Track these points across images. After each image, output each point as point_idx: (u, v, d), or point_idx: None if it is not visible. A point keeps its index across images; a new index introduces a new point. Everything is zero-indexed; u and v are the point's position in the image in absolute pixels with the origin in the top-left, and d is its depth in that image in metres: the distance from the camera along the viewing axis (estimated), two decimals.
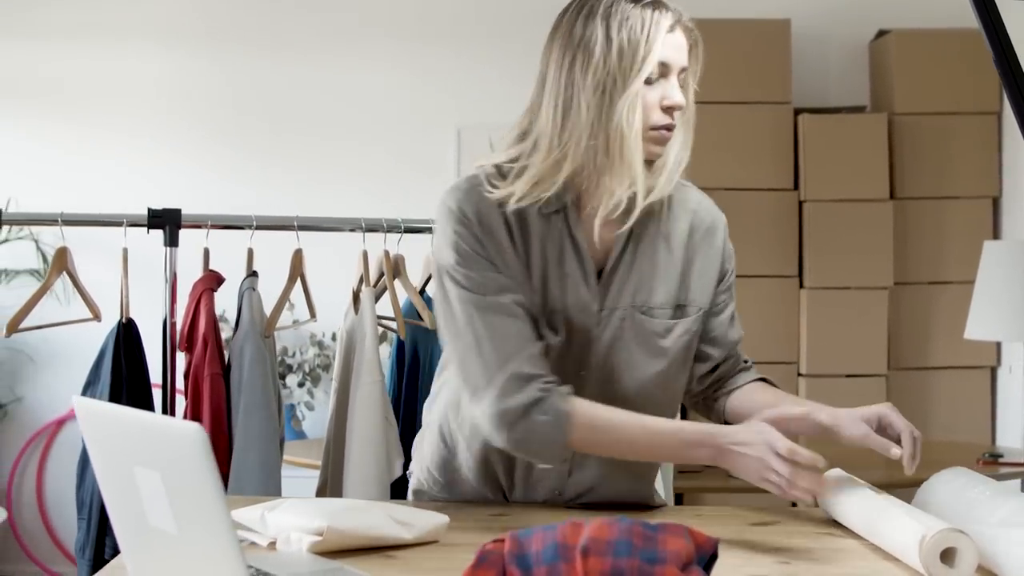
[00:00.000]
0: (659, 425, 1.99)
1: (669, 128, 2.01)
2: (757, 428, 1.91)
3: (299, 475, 4.23)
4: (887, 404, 2.06)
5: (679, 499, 4.04)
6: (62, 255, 3.01)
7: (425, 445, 2.27)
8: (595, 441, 2.00)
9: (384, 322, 3.07)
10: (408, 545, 1.85)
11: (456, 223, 2.01)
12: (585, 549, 1.44)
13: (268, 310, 3.04)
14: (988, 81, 5.11)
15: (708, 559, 1.53)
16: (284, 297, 3.05)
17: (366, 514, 1.83)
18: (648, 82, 1.97)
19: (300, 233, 3.17)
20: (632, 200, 2.00)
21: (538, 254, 2.03)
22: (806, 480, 1.83)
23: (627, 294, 2.07)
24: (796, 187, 5.15)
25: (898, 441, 2.00)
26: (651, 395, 2.10)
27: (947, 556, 1.70)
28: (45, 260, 5.31)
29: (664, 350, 2.09)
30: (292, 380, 5.22)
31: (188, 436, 1.35)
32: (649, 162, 2.03)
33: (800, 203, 5.13)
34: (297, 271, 3.07)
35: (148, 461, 1.44)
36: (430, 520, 1.87)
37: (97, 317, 3.09)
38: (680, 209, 2.15)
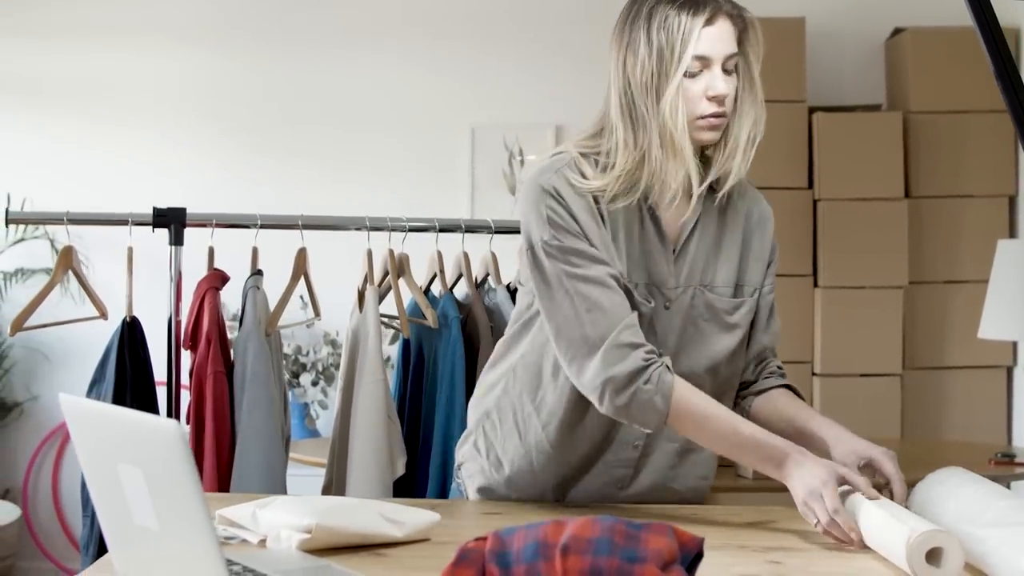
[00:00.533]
0: (744, 427, 2.06)
1: (717, 116, 2.10)
2: (828, 463, 1.98)
3: (309, 474, 4.24)
4: (887, 451, 2.08)
5: None
6: (67, 254, 3.03)
7: (484, 440, 2.31)
8: (688, 418, 2.07)
9: (386, 321, 3.07)
10: (399, 543, 1.85)
11: (550, 199, 2.12)
12: (565, 548, 1.43)
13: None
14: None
15: (693, 558, 1.52)
16: (287, 295, 3.05)
17: (356, 512, 1.83)
18: (691, 75, 2.07)
19: (315, 232, 3.20)
20: (713, 182, 2.16)
21: (623, 231, 2.15)
22: (838, 529, 1.89)
23: (696, 273, 2.19)
24: (811, 186, 5.12)
25: (886, 484, 2.05)
26: (719, 374, 2.23)
27: (933, 556, 1.69)
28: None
29: (733, 326, 2.22)
30: (306, 379, 5.23)
31: (167, 433, 1.35)
32: (704, 149, 2.16)
33: (815, 202, 5.11)
34: (301, 269, 3.07)
35: (131, 458, 1.45)
36: (421, 518, 1.88)
37: (104, 315, 3.10)
38: (739, 197, 2.28)
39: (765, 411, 2.27)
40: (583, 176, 2.13)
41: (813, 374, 5.13)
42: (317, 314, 3.27)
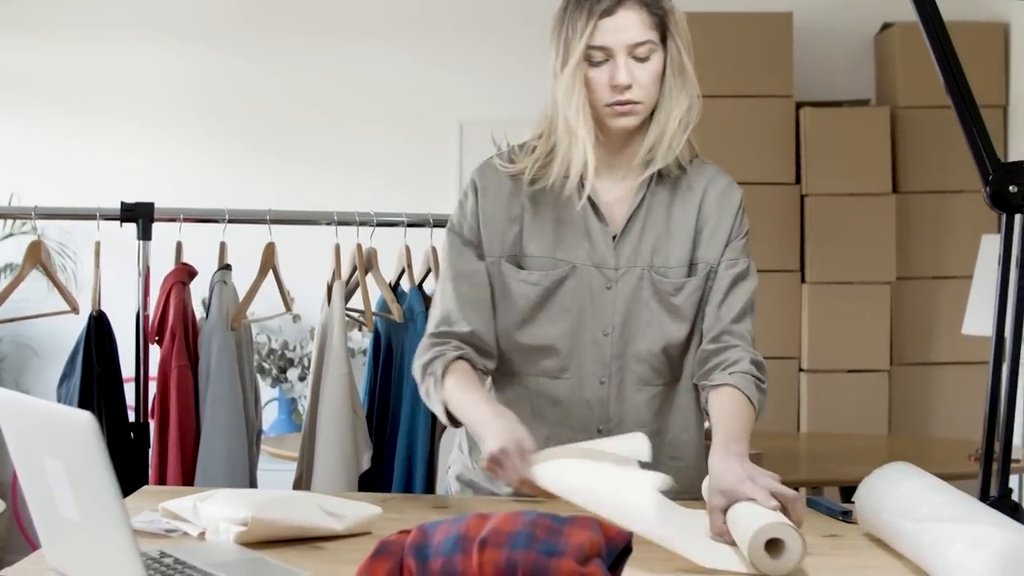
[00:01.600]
0: (469, 398, 2.11)
1: (622, 104, 2.13)
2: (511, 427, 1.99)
3: (289, 468, 4.24)
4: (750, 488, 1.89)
5: None
6: (35, 248, 3.04)
7: (467, 439, 2.36)
8: (454, 408, 2.13)
9: (352, 315, 3.08)
10: (339, 537, 1.85)
11: (468, 187, 2.26)
12: (483, 541, 1.42)
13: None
14: (993, 75, 5.07)
15: (620, 552, 1.51)
16: (253, 289, 3.06)
17: (294, 505, 1.83)
18: (596, 64, 2.12)
19: (296, 228, 3.25)
20: (643, 168, 2.21)
21: (554, 213, 2.21)
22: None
23: (643, 255, 2.22)
24: (798, 181, 5.12)
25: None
26: (668, 356, 2.24)
27: (775, 547, 1.70)
28: (47, 254, 5.33)
29: (677, 308, 2.22)
30: (293, 374, 5.24)
31: (81, 425, 1.36)
32: (631, 137, 2.20)
33: (802, 197, 5.10)
34: (269, 264, 3.08)
35: (52, 451, 1.45)
36: (362, 511, 1.88)
37: (75, 310, 3.11)
38: (696, 179, 2.29)
39: (711, 413, 2.17)
40: (511, 162, 2.23)
41: (800, 370, 5.12)
42: (288, 308, 3.27)
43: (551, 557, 1.40)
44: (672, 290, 2.21)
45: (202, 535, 1.82)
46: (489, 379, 2.28)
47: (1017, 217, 1.83)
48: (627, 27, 2.10)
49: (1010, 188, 1.84)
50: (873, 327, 5.06)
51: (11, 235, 5.38)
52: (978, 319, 4.29)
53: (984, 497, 1.87)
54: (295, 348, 5.29)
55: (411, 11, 5.57)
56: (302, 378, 5.24)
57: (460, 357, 2.17)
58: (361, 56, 5.58)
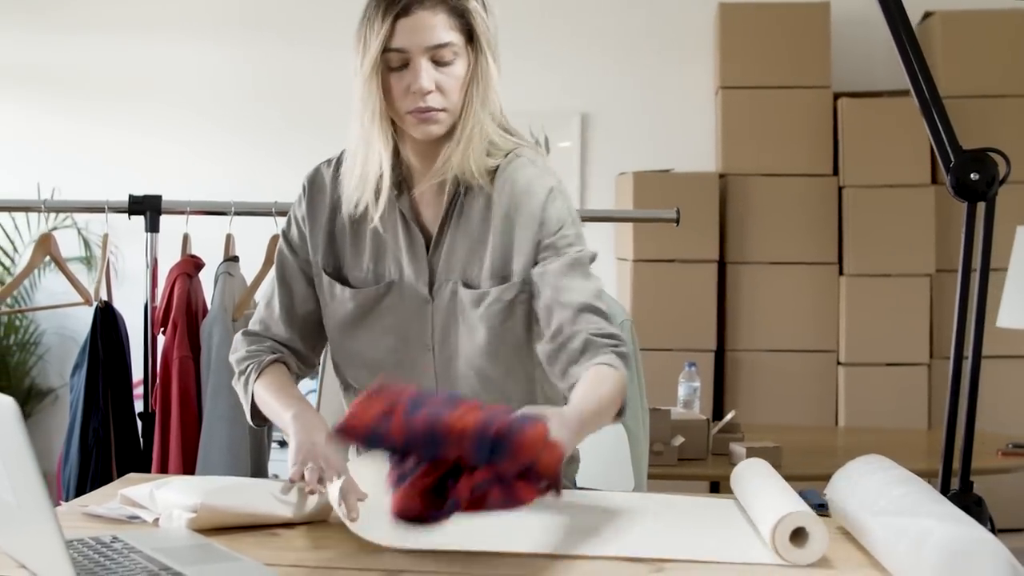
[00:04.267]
0: (269, 407, 2.12)
1: (422, 110, 2.01)
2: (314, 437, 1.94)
3: None
4: None
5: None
6: (46, 240, 3.09)
7: None
8: (262, 405, 2.15)
9: None
10: (295, 524, 1.86)
11: (297, 197, 2.22)
12: (466, 409, 1.54)
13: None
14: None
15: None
16: (257, 281, 3.08)
17: (247, 492, 1.84)
18: (395, 69, 2.01)
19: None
20: (456, 178, 2.07)
21: (373, 229, 2.11)
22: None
23: (455, 268, 2.10)
24: (836, 172, 5.07)
25: None
26: (485, 373, 2.10)
27: (799, 537, 1.67)
28: (88, 247, 5.43)
29: (475, 321, 2.09)
30: None
31: (3, 409, 1.37)
32: (437, 144, 2.07)
33: (840, 189, 5.05)
34: (273, 255, 3.09)
35: None
36: (316, 500, 1.88)
37: (88, 302, 3.15)
38: (502, 183, 2.11)
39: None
40: (336, 170, 2.17)
41: (838, 363, 5.07)
42: None
43: (522, 424, 1.51)
44: (474, 301, 2.09)
45: (156, 521, 1.84)
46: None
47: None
48: (425, 28, 1.97)
49: (971, 176, 1.80)
50: (912, 320, 4.99)
51: (55, 228, 5.46)
52: (1013, 312, 4.22)
53: (945, 492, 1.84)
54: None
55: None
56: None
57: (276, 360, 2.18)
58: None
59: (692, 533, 1.85)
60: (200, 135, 5.67)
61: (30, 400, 5.60)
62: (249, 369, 2.16)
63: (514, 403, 1.99)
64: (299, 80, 5.66)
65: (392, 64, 1.99)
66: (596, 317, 2.00)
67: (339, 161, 2.17)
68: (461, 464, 1.52)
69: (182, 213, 3.07)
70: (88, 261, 5.46)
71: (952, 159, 1.82)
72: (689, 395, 4.25)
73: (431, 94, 1.99)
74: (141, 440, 3.07)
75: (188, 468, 2.89)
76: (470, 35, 2.03)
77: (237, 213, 3.09)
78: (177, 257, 3.13)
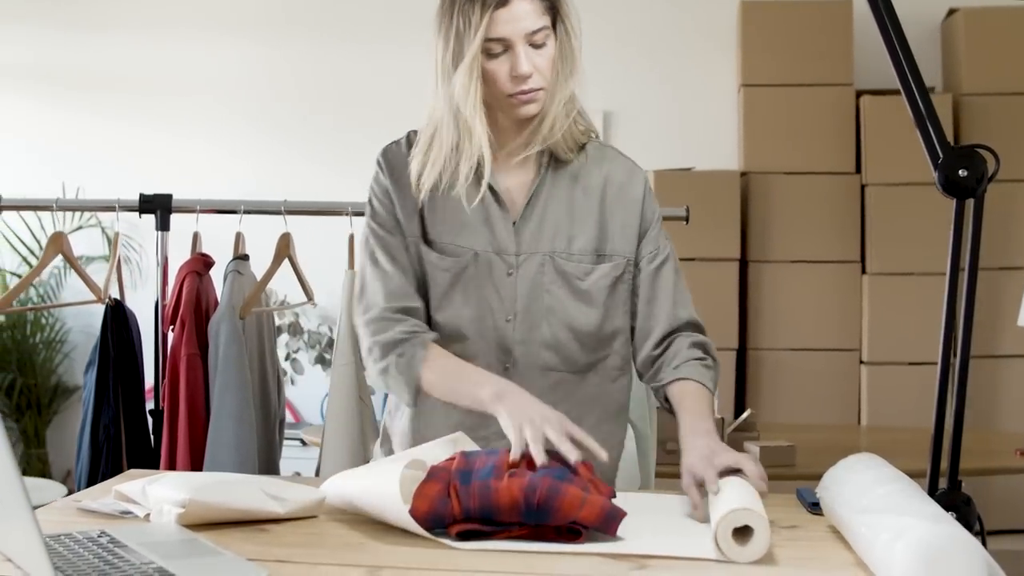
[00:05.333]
0: (476, 376, 2.12)
1: (525, 92, 2.11)
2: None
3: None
4: (708, 464, 1.95)
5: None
6: (57, 239, 3.11)
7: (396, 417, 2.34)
8: (437, 385, 2.14)
9: None
10: (285, 520, 1.87)
11: (376, 170, 2.25)
12: (512, 473, 1.77)
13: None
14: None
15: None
16: (265, 280, 3.09)
17: (236, 487, 1.85)
18: (494, 56, 2.09)
19: (330, 220, 3.26)
20: (541, 152, 2.19)
21: (454, 204, 2.18)
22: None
23: (544, 240, 2.20)
24: (858, 170, 5.04)
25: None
26: (564, 346, 2.21)
27: (743, 535, 1.68)
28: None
29: (585, 292, 2.20)
30: None
31: None
32: (524, 122, 2.17)
33: (862, 187, 5.03)
34: (283, 254, 3.12)
35: None
36: (305, 495, 1.89)
37: (100, 300, 3.17)
38: (595, 164, 2.26)
39: (672, 406, 2.22)
40: (409, 151, 2.22)
41: (861, 362, 5.04)
42: (310, 298, 3.31)
43: (562, 481, 1.75)
44: (580, 275, 2.20)
45: (147, 516, 1.85)
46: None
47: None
48: (523, 16, 2.07)
49: (960, 172, 1.79)
50: (936, 318, 4.86)
51: (80, 228, 5.51)
52: None
53: (933, 490, 1.83)
54: None
55: None
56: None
57: (434, 340, 2.16)
58: (422, 49, 5.60)
59: (676, 531, 1.85)
60: (227, 133, 5.71)
61: (56, 397, 5.65)
62: (410, 350, 2.13)
63: (597, 372, 2.24)
64: (330, 79, 5.68)
65: (492, 52, 2.09)
66: (686, 315, 2.27)
67: (409, 140, 2.24)
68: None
69: (192, 212, 3.09)
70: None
71: (940, 155, 1.80)
72: None
73: (531, 77, 2.09)
74: (152, 437, 3.10)
75: (196, 465, 2.91)
76: (554, 15, 2.13)
77: (247, 212, 3.11)
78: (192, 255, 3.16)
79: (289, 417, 5.35)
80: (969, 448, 3.95)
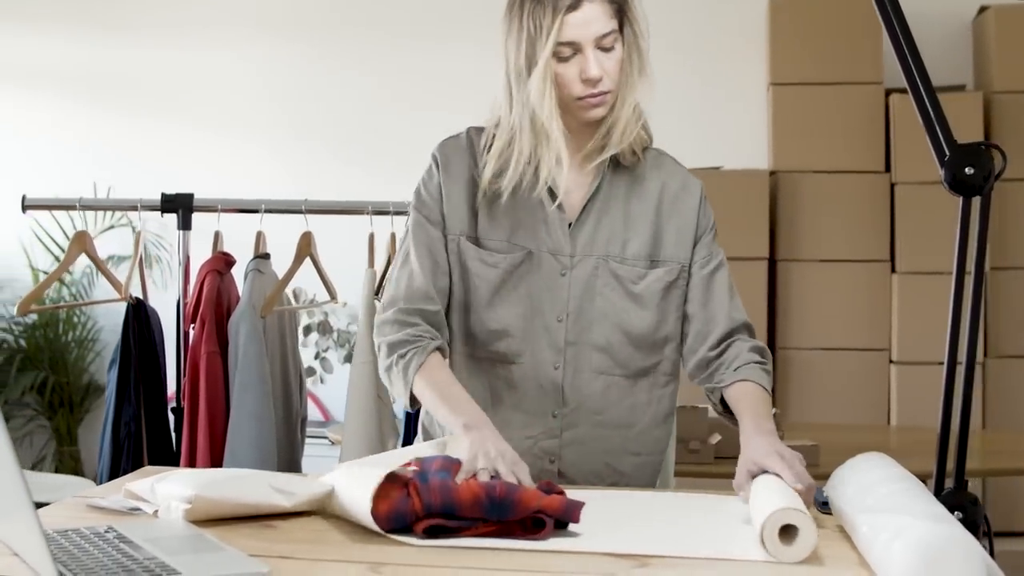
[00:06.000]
0: (443, 406, 2.11)
1: (594, 96, 2.12)
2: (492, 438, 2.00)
3: None
4: (785, 455, 1.98)
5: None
6: (81, 238, 3.14)
7: (427, 415, 2.37)
8: (424, 396, 2.15)
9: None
10: (293, 514, 1.88)
11: (429, 165, 2.26)
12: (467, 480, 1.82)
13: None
14: None
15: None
16: (286, 279, 3.12)
17: (243, 483, 1.87)
18: (564, 59, 2.10)
19: (353, 218, 3.28)
20: (596, 155, 2.19)
21: (513, 199, 2.19)
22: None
23: (599, 243, 2.21)
24: (888, 169, 5.01)
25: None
26: (615, 348, 2.23)
27: (788, 534, 1.66)
28: (143, 245, 5.52)
29: (638, 296, 2.22)
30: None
31: None
32: (591, 125, 2.18)
33: (892, 185, 5.00)
34: (304, 253, 3.14)
35: None
36: (312, 489, 1.90)
37: (123, 298, 3.20)
38: (652, 171, 2.28)
39: (731, 406, 2.24)
40: (471, 146, 2.24)
41: (891, 362, 5.01)
42: (333, 297, 3.32)
43: (516, 489, 1.78)
44: (634, 278, 2.22)
45: (156, 513, 1.87)
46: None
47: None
48: (593, 19, 2.09)
49: (967, 170, 1.78)
50: (966, 318, 4.91)
51: (111, 227, 5.56)
52: None
53: (939, 490, 1.82)
54: None
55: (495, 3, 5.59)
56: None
57: (437, 347, 2.17)
58: (447, 50, 5.62)
59: (680, 529, 1.85)
60: (258, 134, 5.74)
61: (88, 395, 5.70)
62: (411, 355, 2.14)
63: (650, 377, 2.26)
64: (353, 79, 5.71)
65: (561, 56, 2.10)
66: (741, 320, 2.28)
67: (469, 137, 2.25)
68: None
69: (213, 211, 3.12)
70: (144, 259, 5.54)
71: (946, 153, 1.79)
72: None
73: (600, 80, 2.11)
74: (173, 434, 3.12)
75: (216, 462, 2.93)
76: (621, 19, 2.14)
77: (268, 211, 3.13)
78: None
79: (319, 415, 5.38)
80: (1000, 449, 3.93)
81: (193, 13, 5.79)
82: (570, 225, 2.22)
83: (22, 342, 5.70)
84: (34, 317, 5.60)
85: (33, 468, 5.59)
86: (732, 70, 5.49)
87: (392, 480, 1.79)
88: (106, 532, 1.71)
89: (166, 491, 1.86)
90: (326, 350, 5.39)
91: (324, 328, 5.37)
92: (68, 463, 5.60)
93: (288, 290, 4.77)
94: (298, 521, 1.87)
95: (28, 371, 5.63)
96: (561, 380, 2.22)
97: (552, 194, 2.20)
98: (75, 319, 5.66)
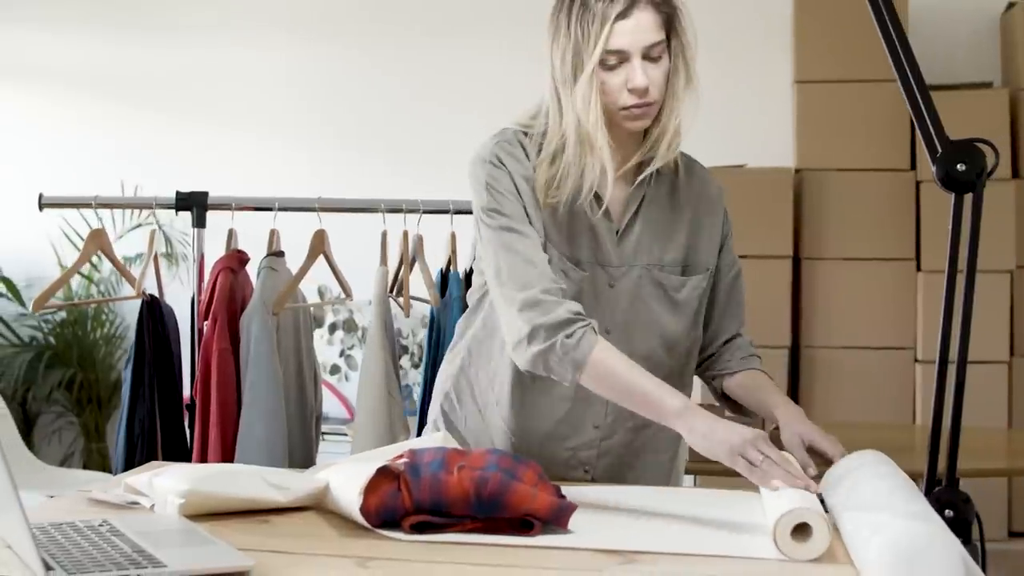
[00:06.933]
0: (641, 385, 2.03)
1: (639, 107, 2.10)
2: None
3: None
4: (829, 436, 2.05)
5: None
6: (97, 236, 3.17)
7: (444, 421, 2.38)
8: (600, 377, 2.05)
9: (398, 301, 3.14)
10: (289, 510, 1.90)
11: (490, 167, 2.16)
12: (461, 466, 1.80)
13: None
14: None
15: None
16: (299, 276, 3.13)
17: (237, 477, 1.88)
18: (611, 68, 2.07)
19: (369, 217, 3.29)
20: (642, 166, 2.18)
21: (565, 209, 2.16)
22: (779, 473, 1.84)
23: (643, 252, 2.22)
24: (913, 167, 4.97)
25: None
26: (675, 353, 2.27)
27: (802, 532, 1.66)
28: (169, 243, 5.57)
29: (679, 303, 2.24)
30: (406, 361, 5.33)
31: None
32: (636, 135, 2.18)
33: (917, 183, 4.96)
34: (318, 250, 3.16)
35: None
36: (308, 484, 1.92)
37: (138, 294, 3.23)
38: (686, 177, 2.29)
39: (736, 392, 2.33)
40: (522, 148, 2.18)
41: (916, 361, 4.97)
42: (348, 294, 3.34)
43: (512, 479, 1.78)
44: (677, 286, 2.24)
45: (153, 507, 1.89)
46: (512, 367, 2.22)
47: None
48: (642, 29, 2.06)
49: (958, 167, 1.77)
50: (991, 317, 4.88)
51: (139, 226, 5.61)
52: None
53: (930, 488, 1.82)
54: (408, 336, 5.38)
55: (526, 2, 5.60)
56: (416, 365, 5.32)
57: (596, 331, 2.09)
58: (476, 50, 5.62)
59: (676, 526, 1.85)
60: (284, 133, 5.77)
61: (116, 392, 5.74)
62: (579, 333, 2.04)
63: (672, 378, 2.14)
64: (370, 78, 5.73)
65: (608, 64, 2.07)
66: (744, 325, 2.38)
67: (519, 140, 2.18)
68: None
69: (227, 209, 3.14)
70: (169, 257, 5.59)
71: (939, 149, 1.79)
72: None
73: (647, 91, 2.08)
74: (188, 431, 3.15)
75: (227, 459, 2.95)
76: (669, 29, 2.12)
77: (282, 209, 3.15)
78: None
79: (344, 413, 5.40)
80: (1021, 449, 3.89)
81: (216, 14, 5.82)
82: (617, 233, 2.21)
83: (51, 340, 5.75)
84: (63, 315, 5.66)
85: (61, 464, 5.64)
86: (757, 68, 5.47)
87: (384, 474, 1.80)
88: (100, 525, 1.74)
89: (162, 485, 1.88)
90: (351, 348, 5.42)
91: (349, 326, 5.40)
92: (96, 459, 5.65)
93: (314, 288, 4.81)
94: (293, 516, 1.89)
95: (57, 368, 5.69)
96: None
97: (599, 201, 2.17)
98: (103, 316, 5.72)
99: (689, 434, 1.95)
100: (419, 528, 1.76)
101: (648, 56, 2.08)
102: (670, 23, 2.12)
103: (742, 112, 5.47)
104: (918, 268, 4.96)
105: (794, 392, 5.07)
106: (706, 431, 1.92)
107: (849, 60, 5.00)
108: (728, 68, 5.49)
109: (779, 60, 5.38)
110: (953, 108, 4.82)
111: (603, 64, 2.06)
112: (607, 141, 2.10)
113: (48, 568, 1.48)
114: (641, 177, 2.19)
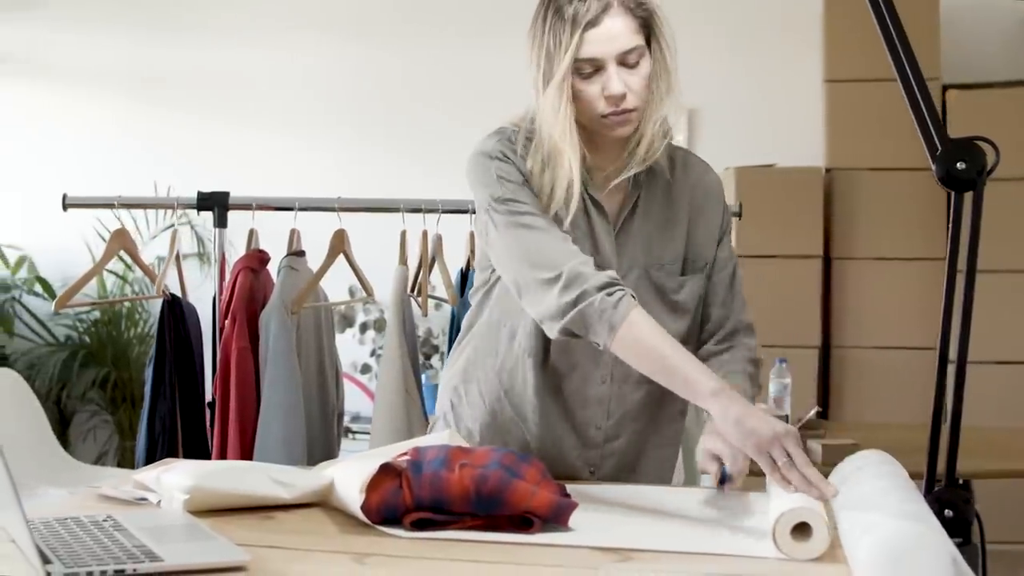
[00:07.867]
0: (676, 361, 1.99)
1: (618, 114, 2.06)
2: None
3: None
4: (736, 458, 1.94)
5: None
6: (119, 236, 3.20)
7: (452, 414, 2.37)
8: (632, 343, 2.00)
9: (418, 300, 3.16)
10: (294, 506, 1.91)
11: (496, 161, 2.12)
12: (463, 464, 1.81)
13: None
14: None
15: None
16: (318, 275, 3.15)
17: (242, 474, 1.90)
18: (587, 76, 2.04)
19: (390, 217, 3.30)
20: (623, 172, 2.14)
21: (563, 211, 2.12)
22: (796, 477, 1.80)
23: (640, 252, 2.19)
24: None
25: None
26: None
27: (802, 531, 1.66)
28: (201, 243, 5.61)
29: (677, 303, 2.21)
30: (436, 361, 5.35)
31: None
32: (619, 142, 2.14)
33: None
34: (338, 250, 3.18)
35: None
36: (313, 481, 1.93)
37: (159, 294, 3.26)
38: (683, 172, 2.26)
39: None
40: (513, 151, 2.14)
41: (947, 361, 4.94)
42: (369, 294, 3.36)
43: (513, 478, 1.79)
44: (675, 287, 2.21)
45: (159, 503, 1.91)
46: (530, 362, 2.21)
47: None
48: (615, 36, 2.02)
49: (958, 165, 1.77)
50: (1017, 317, 4.84)
51: (171, 226, 5.64)
52: None
53: (930, 488, 1.81)
54: (439, 336, 5.39)
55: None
56: None
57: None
58: (499, 49, 5.62)
59: (673, 525, 1.86)
60: (317, 134, 5.80)
61: None
62: (619, 295, 1.99)
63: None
64: (391, 79, 5.76)
65: (582, 72, 2.04)
66: (747, 323, 2.31)
67: (510, 141, 2.15)
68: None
69: (248, 208, 3.16)
70: (201, 256, 5.63)
71: (938, 147, 1.78)
72: (780, 392, 4.18)
73: (624, 97, 2.05)
74: (209, 429, 3.17)
75: (246, 457, 2.98)
76: (648, 33, 2.08)
77: (302, 209, 3.18)
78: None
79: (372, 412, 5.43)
80: None
81: (247, 16, 5.86)
82: (615, 234, 2.18)
83: (86, 339, 5.81)
84: (96, 314, 5.71)
85: (96, 462, 5.69)
86: (787, 66, 5.45)
87: (386, 471, 1.81)
88: (104, 520, 1.76)
89: (169, 482, 1.90)
90: (381, 347, 5.44)
91: (380, 325, 5.42)
92: (130, 457, 5.70)
93: (344, 287, 4.83)
94: (298, 513, 1.90)
95: (91, 367, 5.74)
96: (608, 393, 2.21)
97: (596, 204, 2.16)
98: (136, 316, 5.77)
99: (722, 417, 1.89)
100: (420, 525, 1.77)
101: (624, 63, 2.04)
102: (648, 26, 2.08)
103: (772, 111, 5.45)
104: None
105: (824, 392, 5.05)
106: (739, 417, 1.86)
107: (879, 59, 4.90)
108: (758, 67, 5.48)
109: (809, 59, 5.36)
110: (985, 106, 4.86)
111: (579, 73, 2.03)
112: (575, 153, 2.05)
113: (47, 561, 1.51)
114: (618, 180, 2.14)
